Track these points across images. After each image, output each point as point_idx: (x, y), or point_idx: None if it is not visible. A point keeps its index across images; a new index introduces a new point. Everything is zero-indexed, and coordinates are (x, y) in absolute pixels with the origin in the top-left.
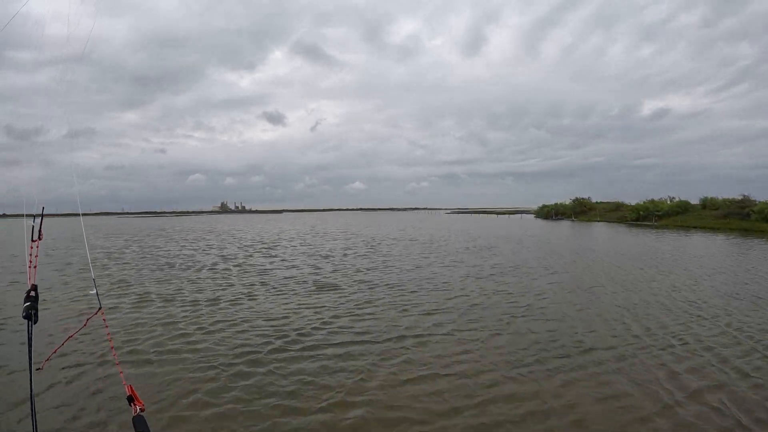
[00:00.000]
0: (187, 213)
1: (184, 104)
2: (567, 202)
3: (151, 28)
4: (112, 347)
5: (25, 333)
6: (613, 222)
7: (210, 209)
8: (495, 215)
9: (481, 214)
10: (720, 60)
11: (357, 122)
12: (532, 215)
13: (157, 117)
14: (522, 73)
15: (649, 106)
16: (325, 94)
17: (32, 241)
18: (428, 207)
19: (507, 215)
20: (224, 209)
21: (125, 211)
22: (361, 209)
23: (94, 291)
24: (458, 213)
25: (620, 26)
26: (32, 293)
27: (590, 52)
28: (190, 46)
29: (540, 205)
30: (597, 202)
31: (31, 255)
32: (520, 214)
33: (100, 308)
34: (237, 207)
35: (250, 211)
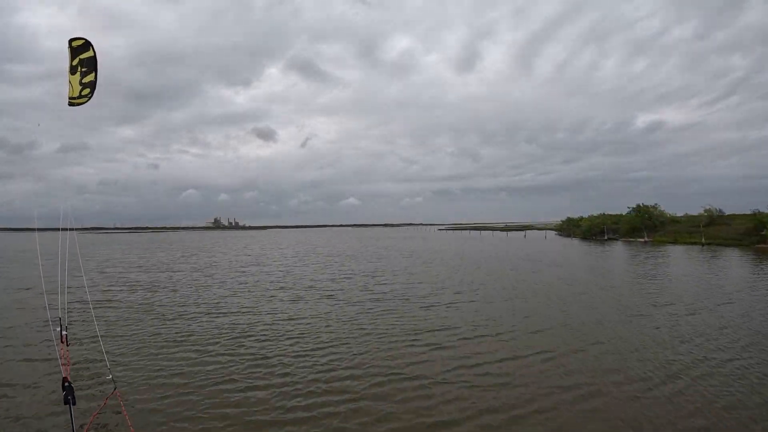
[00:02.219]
0: (179, 228)
1: (181, 120)
2: (620, 214)
3: (148, 44)
4: (130, 426)
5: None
6: (738, 247)
7: (203, 225)
8: (503, 233)
9: (481, 231)
10: (713, 72)
11: (352, 139)
12: (554, 232)
13: (153, 132)
14: (516, 89)
15: (642, 120)
16: (320, 110)
17: (64, 345)
18: (422, 223)
19: (521, 232)
20: (217, 225)
21: (117, 226)
22: (355, 225)
23: (110, 376)
24: (453, 229)
25: (613, 41)
26: (66, 383)
27: (584, 67)
28: (187, 63)
29: (564, 218)
30: (671, 215)
31: (61, 357)
32: (542, 232)
33: (115, 389)
34: (231, 223)
35: (244, 227)
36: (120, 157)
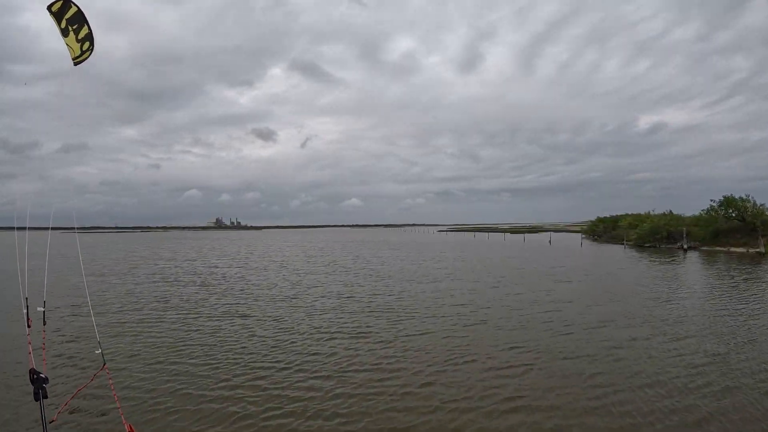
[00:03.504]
0: (179, 228)
1: (183, 120)
2: (693, 214)
3: (150, 44)
4: (115, 396)
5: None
6: None
7: (205, 225)
8: (515, 236)
9: (489, 234)
10: (714, 74)
11: (353, 140)
12: (579, 235)
13: (155, 133)
14: (517, 90)
15: (644, 121)
16: (322, 111)
17: (33, 328)
18: (424, 223)
19: (536, 235)
20: (219, 225)
21: (117, 226)
22: (356, 226)
23: (99, 351)
24: (454, 230)
25: (615, 42)
26: (35, 375)
27: (585, 69)
28: (188, 63)
29: (596, 217)
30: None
31: (30, 343)
32: (562, 234)
33: (104, 364)
34: (233, 223)
35: (246, 228)
36: (122, 158)
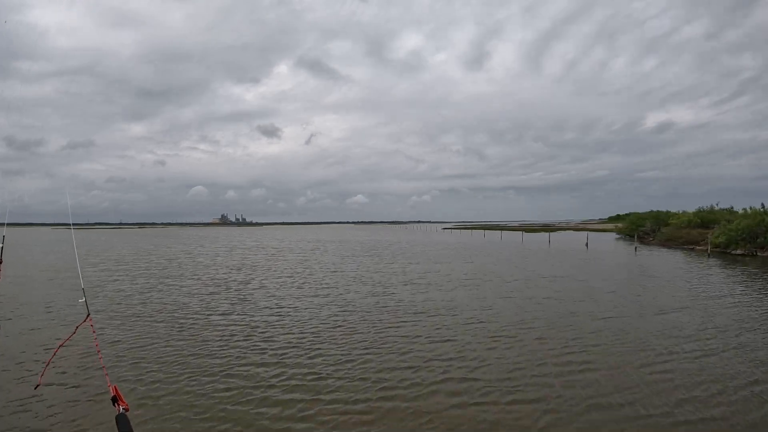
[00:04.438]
0: (179, 224)
1: (190, 117)
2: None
3: (157, 42)
4: (98, 352)
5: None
6: None
7: (210, 221)
8: (534, 236)
9: (500, 233)
10: (723, 72)
11: (360, 137)
12: (612, 234)
13: (162, 130)
14: (525, 88)
15: (652, 119)
16: (328, 108)
17: None
18: (429, 220)
19: (566, 234)
20: (224, 222)
21: (122, 222)
22: (362, 222)
23: (83, 299)
24: (460, 228)
25: (623, 39)
26: None
27: (593, 66)
28: (195, 60)
29: (607, 216)
30: None
31: None
32: (597, 234)
33: (88, 315)
34: (238, 219)
35: (251, 224)
36: (129, 154)
